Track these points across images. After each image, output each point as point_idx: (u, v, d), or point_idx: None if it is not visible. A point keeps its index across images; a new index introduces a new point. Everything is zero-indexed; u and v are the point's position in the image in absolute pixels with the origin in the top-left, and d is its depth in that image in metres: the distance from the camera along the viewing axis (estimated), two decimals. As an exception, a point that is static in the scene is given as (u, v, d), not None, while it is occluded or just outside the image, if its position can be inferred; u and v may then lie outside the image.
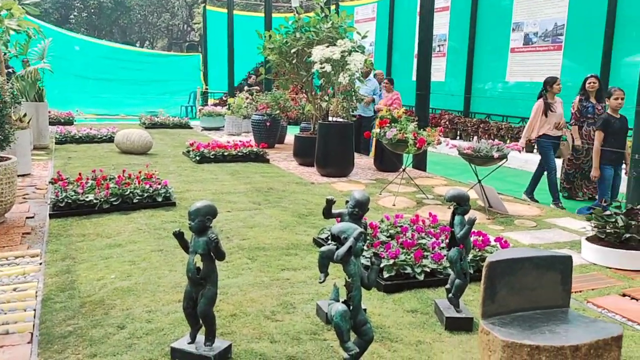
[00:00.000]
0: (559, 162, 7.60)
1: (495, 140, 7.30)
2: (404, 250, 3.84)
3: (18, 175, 5.87)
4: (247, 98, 12.87)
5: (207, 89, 19.46)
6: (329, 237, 2.47)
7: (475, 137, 12.29)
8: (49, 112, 11.20)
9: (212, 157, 8.58)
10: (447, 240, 3.29)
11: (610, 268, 4.17)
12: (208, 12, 19.97)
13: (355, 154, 8.20)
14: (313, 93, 8.79)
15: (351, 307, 2.37)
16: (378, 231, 4.28)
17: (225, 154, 8.69)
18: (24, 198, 5.97)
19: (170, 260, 4.08)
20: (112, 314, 3.17)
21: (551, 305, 2.49)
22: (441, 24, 14.42)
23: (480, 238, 4.10)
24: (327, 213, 3.12)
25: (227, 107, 13.37)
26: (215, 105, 17.22)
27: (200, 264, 2.58)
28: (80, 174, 6.11)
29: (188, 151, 9.07)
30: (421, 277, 3.65)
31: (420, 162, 8.57)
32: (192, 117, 17.28)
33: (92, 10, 35.90)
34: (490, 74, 13.39)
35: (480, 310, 2.39)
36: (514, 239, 4.87)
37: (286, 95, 10.59)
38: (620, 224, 4.25)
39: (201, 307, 2.58)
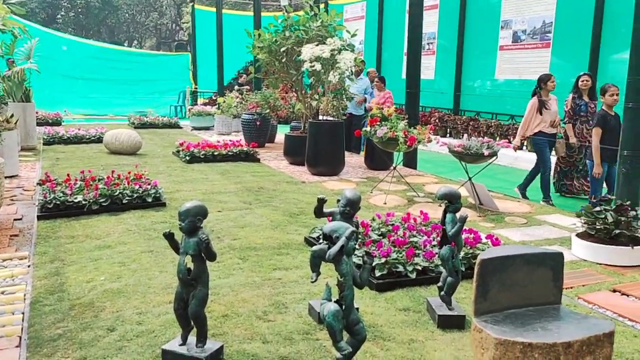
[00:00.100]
0: (553, 160, 7.62)
1: (485, 137, 7.32)
2: (396, 249, 3.84)
3: (5, 177, 5.81)
4: (237, 97, 12.82)
5: (196, 88, 19.38)
6: (321, 236, 2.45)
7: (465, 135, 12.31)
8: (37, 112, 11.07)
9: (202, 156, 8.53)
10: (439, 238, 3.29)
11: (600, 264, 4.19)
12: (197, 11, 19.88)
13: (346, 153, 8.19)
14: (303, 92, 8.77)
15: (343, 307, 2.36)
16: (369, 230, 4.27)
17: (216, 153, 8.65)
18: (12, 200, 5.90)
19: (161, 261, 4.04)
20: (102, 316, 3.13)
21: (543, 302, 2.50)
22: (430, 22, 14.45)
23: (472, 235, 4.11)
24: (319, 212, 3.11)
25: (216, 106, 13.31)
26: (204, 104, 17.14)
27: (191, 265, 2.56)
28: (68, 174, 6.05)
29: (178, 151, 9.02)
30: (413, 276, 3.64)
31: (410, 160, 8.58)
32: (182, 117, 17.19)
33: (80, 10, 35.62)
34: (480, 72, 13.45)
35: (473, 307, 2.39)
36: (505, 236, 4.89)
37: (276, 94, 10.56)
38: (610, 220, 4.27)
39: (192, 308, 2.56)
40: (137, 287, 3.54)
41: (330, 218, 3.09)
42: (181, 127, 13.98)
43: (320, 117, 8.85)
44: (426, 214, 4.73)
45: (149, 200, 5.60)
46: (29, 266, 3.93)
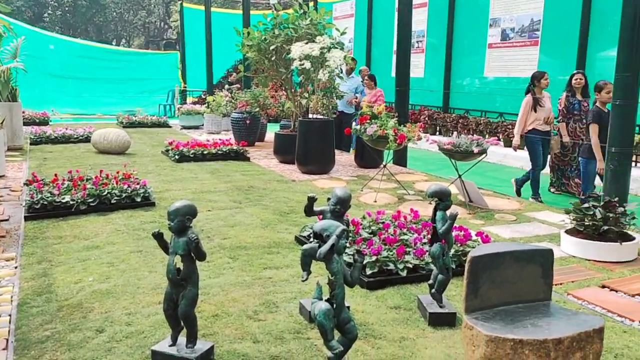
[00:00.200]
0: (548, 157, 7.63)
1: (475, 135, 7.34)
2: (387, 247, 3.84)
3: (-9, 177, 5.74)
4: (226, 96, 12.77)
5: (185, 87, 19.28)
6: (311, 235, 2.44)
7: (455, 133, 12.36)
8: (23, 112, 10.97)
9: (191, 156, 8.49)
10: (429, 236, 3.29)
11: (589, 260, 4.22)
12: (185, 9, 19.77)
13: (336, 151, 8.18)
14: (293, 90, 8.75)
15: (334, 305, 2.36)
16: (360, 228, 4.27)
17: (205, 152, 8.61)
18: (-2, 200, 5.83)
19: (150, 261, 4.01)
20: (90, 317, 3.10)
21: (533, 298, 2.51)
22: (419, 20, 14.48)
23: (462, 233, 4.12)
24: (309, 211, 3.10)
25: (206, 105, 13.25)
26: (194, 103, 17.07)
27: (180, 265, 2.54)
28: (56, 174, 5.99)
29: (167, 150, 8.96)
30: (404, 273, 3.64)
31: (400, 158, 8.59)
32: (171, 116, 17.10)
33: (67, 9, 35.28)
34: (469, 70, 13.50)
35: (463, 305, 2.39)
36: (495, 233, 4.91)
37: (266, 92, 10.53)
38: (598, 216, 4.30)
39: (182, 309, 2.54)
40: (126, 288, 3.51)
41: (321, 216, 3.08)
42: (170, 126, 13.90)
43: (310, 116, 8.83)
44: (416, 212, 4.73)
45: (138, 200, 5.56)
46: (16, 267, 3.88)
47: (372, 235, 4.14)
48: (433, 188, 3.12)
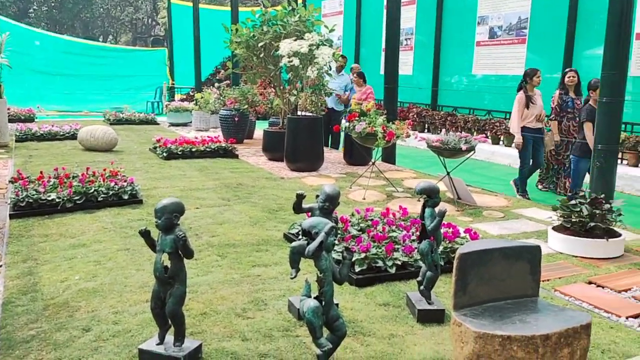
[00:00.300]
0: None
1: (463, 132, 7.36)
2: (375, 244, 3.84)
3: (-25, 175, 5.66)
4: (214, 93, 12.70)
5: (173, 84, 19.16)
6: (300, 232, 2.43)
7: (443, 130, 12.42)
8: (8, 108, 10.83)
9: (179, 153, 8.43)
10: (418, 233, 3.29)
11: (576, 256, 4.25)
12: (173, 5, 19.62)
13: (325, 149, 8.17)
14: (281, 87, 8.73)
15: (323, 303, 2.35)
16: (349, 225, 4.26)
17: (193, 149, 8.56)
18: (-17, 198, 5.75)
19: (138, 259, 3.98)
20: (77, 316, 3.07)
21: (521, 294, 2.52)
22: (408, 18, 14.51)
23: (450, 230, 4.13)
24: (298, 208, 3.09)
25: (194, 102, 13.17)
26: (182, 100, 16.95)
27: (168, 263, 2.52)
28: (41, 172, 5.92)
29: (155, 147, 8.90)
30: (393, 270, 3.65)
31: (389, 156, 8.61)
32: (159, 113, 16.98)
33: (53, 4, 34.88)
34: (457, 68, 13.55)
35: (452, 301, 2.40)
36: (483, 229, 4.93)
37: (254, 89, 10.49)
38: (585, 213, 4.33)
39: (170, 307, 2.52)
40: (113, 286, 3.48)
41: (310, 214, 3.07)
42: (158, 124, 13.81)
43: (299, 113, 8.81)
44: (405, 209, 4.74)
45: (125, 197, 5.51)
46: (0, 266, 3.83)
47: (361, 233, 4.14)
48: (421, 185, 3.12)
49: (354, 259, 3.60)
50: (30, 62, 17.83)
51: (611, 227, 4.37)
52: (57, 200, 5.18)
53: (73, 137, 10.01)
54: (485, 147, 10.52)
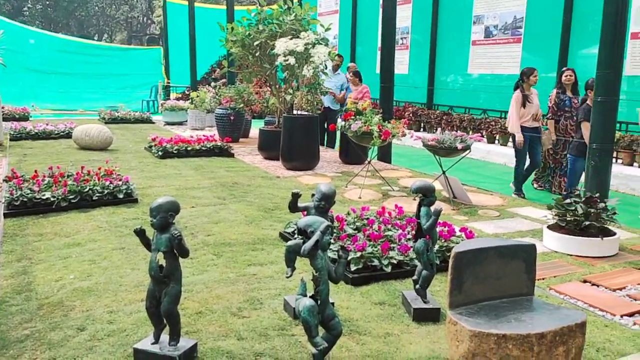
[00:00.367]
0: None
1: (459, 131, 7.37)
2: (371, 243, 3.84)
3: (-31, 174, 5.63)
4: (210, 92, 12.67)
5: (169, 82, 19.11)
6: (296, 231, 2.43)
7: (439, 129, 12.44)
8: (3, 107, 10.78)
9: (175, 152, 8.41)
10: (414, 232, 3.29)
11: (571, 255, 4.26)
12: (168, 4, 19.57)
13: (321, 147, 8.16)
14: (277, 86, 8.71)
15: (319, 302, 2.35)
16: (345, 224, 4.26)
17: (189, 148, 8.54)
18: (-23, 197, 5.72)
19: (133, 258, 3.97)
20: (71, 315, 3.06)
21: (516, 293, 2.52)
22: (404, 17, 14.52)
23: (446, 229, 4.14)
24: (293, 207, 3.08)
25: (190, 101, 13.14)
26: (177, 99, 16.92)
27: (163, 262, 2.51)
28: (36, 171, 5.89)
29: (150, 146, 8.88)
30: (388, 269, 3.65)
31: (385, 155, 8.61)
32: (154, 112, 16.94)
33: (47, 2, 34.72)
34: (453, 67, 13.57)
35: (448, 300, 2.40)
36: (478, 228, 4.94)
37: (250, 88, 10.47)
38: (580, 211, 4.34)
39: (165, 306, 2.51)
40: (108, 285, 3.47)
41: (305, 212, 3.06)
42: (153, 122, 13.77)
43: (295, 112, 8.80)
44: (401, 208, 4.74)
45: (120, 196, 5.49)
46: (-6, 265, 3.81)
47: (356, 232, 4.14)
48: (417, 184, 3.12)
49: (349, 257, 3.60)
50: (25, 61, 17.76)
51: (606, 225, 4.38)
52: (52, 199, 5.15)
53: (68, 136, 9.98)
54: (481, 146, 10.54)
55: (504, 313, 2.35)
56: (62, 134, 10.29)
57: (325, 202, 2.95)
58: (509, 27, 11.95)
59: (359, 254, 3.65)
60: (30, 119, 13.19)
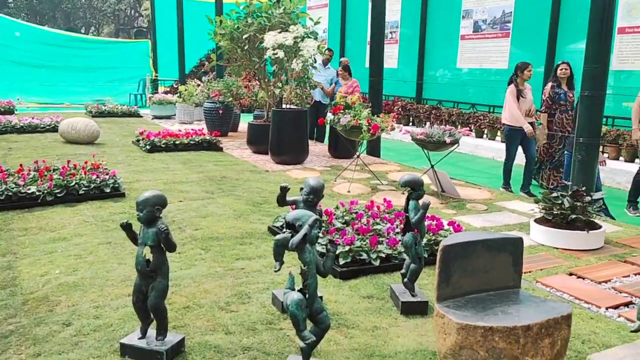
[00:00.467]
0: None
1: (447, 125, 7.39)
2: (360, 237, 3.84)
3: (-47, 168, 5.55)
4: (198, 85, 12.59)
5: (157, 76, 18.96)
6: (284, 225, 2.42)
7: (428, 123, 12.45)
8: (-13, 101, 10.63)
9: (163, 146, 8.35)
10: (402, 226, 3.30)
11: (557, 248, 4.30)
12: (156, -4, 19.39)
13: (310, 142, 8.14)
14: (266, 80, 8.67)
15: (307, 296, 2.34)
16: (333, 218, 4.26)
17: (177, 142, 8.48)
18: (-40, 191, 5.63)
19: (119, 253, 3.94)
20: (57, 310, 3.03)
21: (503, 286, 2.53)
22: (393, 11, 14.50)
23: (434, 222, 4.15)
24: (282, 201, 3.07)
25: (178, 94, 13.05)
26: (165, 93, 16.79)
27: (150, 256, 2.49)
28: (21, 165, 5.82)
29: (138, 140, 8.80)
30: (377, 263, 3.65)
31: (374, 149, 8.62)
32: (142, 106, 16.80)
33: (33, -6, 34.28)
34: (442, 61, 13.59)
35: (435, 293, 2.40)
36: (466, 222, 4.96)
37: (239, 82, 10.41)
38: (567, 205, 4.38)
39: (152, 301, 2.49)
40: (94, 280, 3.44)
41: (294, 206, 3.05)
42: (141, 116, 13.66)
43: (284, 106, 8.77)
44: (389, 202, 4.75)
45: (107, 190, 5.44)
46: (-21, 260, 3.76)
47: (345, 225, 4.13)
48: (406, 178, 3.12)
49: (338, 251, 3.60)
50: (10, 54, 17.52)
51: (592, 219, 4.42)
52: (37, 193, 5.10)
53: (54, 129, 9.86)
54: (469, 141, 10.58)
55: (490, 306, 2.36)
56: (48, 127, 10.17)
57: (313, 196, 2.94)
58: (497, 22, 11.99)
59: (347, 247, 3.65)
60: (15, 112, 13.02)
